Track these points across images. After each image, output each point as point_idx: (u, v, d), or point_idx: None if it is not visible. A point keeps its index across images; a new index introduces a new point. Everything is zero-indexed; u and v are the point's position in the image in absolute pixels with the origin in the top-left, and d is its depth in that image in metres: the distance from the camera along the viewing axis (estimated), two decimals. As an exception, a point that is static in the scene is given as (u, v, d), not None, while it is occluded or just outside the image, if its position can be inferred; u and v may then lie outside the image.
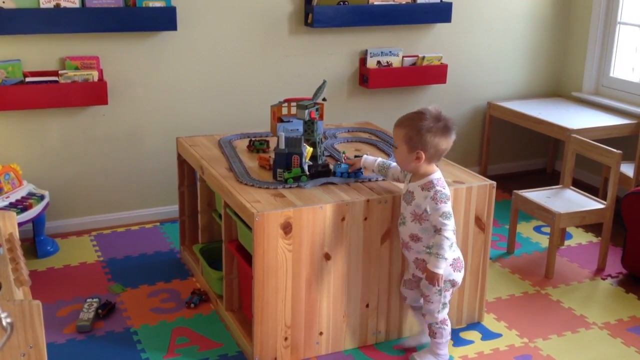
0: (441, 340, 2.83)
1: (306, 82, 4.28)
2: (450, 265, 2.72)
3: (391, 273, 2.95)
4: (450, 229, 2.62)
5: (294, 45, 4.27)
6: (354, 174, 2.97)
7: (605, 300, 3.47)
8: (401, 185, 2.86)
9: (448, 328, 2.83)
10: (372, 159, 2.95)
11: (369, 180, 2.97)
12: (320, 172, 2.95)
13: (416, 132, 2.61)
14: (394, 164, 2.86)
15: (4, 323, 1.59)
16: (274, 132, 3.42)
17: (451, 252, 2.68)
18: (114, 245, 3.90)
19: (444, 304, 2.79)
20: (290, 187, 2.88)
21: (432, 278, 2.65)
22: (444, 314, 2.80)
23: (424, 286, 2.77)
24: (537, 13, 4.93)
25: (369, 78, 4.41)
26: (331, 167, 3.00)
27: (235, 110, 4.22)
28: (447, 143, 2.65)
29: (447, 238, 2.62)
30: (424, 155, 2.62)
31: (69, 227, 4.04)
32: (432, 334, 2.84)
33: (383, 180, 2.99)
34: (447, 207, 2.62)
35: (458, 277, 2.77)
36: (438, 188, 2.63)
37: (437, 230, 2.63)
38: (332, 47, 4.37)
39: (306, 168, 2.96)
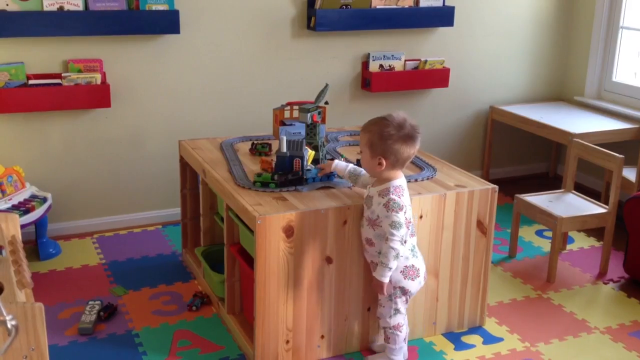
0: (394, 346, 2.81)
1: (308, 85, 4.28)
2: (401, 272, 2.70)
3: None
4: (397, 239, 2.58)
5: (297, 48, 4.28)
6: (326, 178, 2.94)
7: (607, 304, 3.47)
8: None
9: (402, 334, 2.80)
10: (343, 164, 2.90)
11: (340, 185, 2.93)
12: (291, 180, 2.91)
13: (378, 137, 2.59)
14: (365, 171, 2.82)
15: (8, 325, 1.59)
16: (276, 135, 3.42)
17: (404, 259, 2.69)
18: (116, 248, 3.91)
19: (396, 309, 2.77)
20: (291, 191, 2.88)
21: (377, 286, 2.67)
22: (396, 320, 2.78)
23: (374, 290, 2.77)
24: (539, 17, 4.93)
25: (371, 82, 4.42)
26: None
27: (237, 113, 4.23)
28: (409, 151, 2.62)
29: (392, 248, 2.59)
30: (384, 162, 2.60)
31: (72, 230, 4.04)
32: (386, 339, 2.83)
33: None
34: (398, 217, 2.58)
35: (410, 285, 2.74)
36: (392, 196, 2.59)
37: (385, 239, 2.61)
38: (334, 50, 4.38)
39: (307, 172, 2.97)
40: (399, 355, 2.84)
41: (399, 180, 2.66)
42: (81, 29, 3.68)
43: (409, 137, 2.61)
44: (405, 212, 2.62)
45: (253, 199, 2.79)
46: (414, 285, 2.76)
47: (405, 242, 2.66)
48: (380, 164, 2.61)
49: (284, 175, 2.89)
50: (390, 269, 2.63)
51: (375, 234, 2.67)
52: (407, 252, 2.70)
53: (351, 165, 2.91)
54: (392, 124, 2.60)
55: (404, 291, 2.75)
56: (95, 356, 2.94)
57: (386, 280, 2.65)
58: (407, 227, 2.66)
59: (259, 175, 2.91)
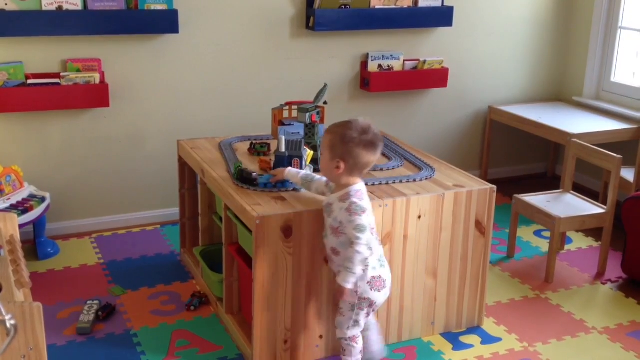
0: (350, 359, 2.72)
1: (307, 85, 4.28)
2: (368, 282, 2.61)
3: (391, 276, 2.94)
4: (362, 243, 2.52)
5: (296, 48, 4.28)
6: (280, 184, 2.88)
7: (605, 304, 3.48)
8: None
9: (358, 346, 2.71)
10: (295, 171, 2.85)
11: (294, 189, 2.88)
12: (245, 178, 2.91)
13: (339, 140, 2.55)
14: (318, 177, 2.78)
15: (7, 325, 1.59)
16: (275, 135, 3.42)
17: (371, 269, 2.60)
18: (114, 248, 3.91)
19: (356, 321, 2.67)
20: (289, 191, 2.88)
21: (339, 292, 2.59)
22: (354, 332, 2.69)
23: (341, 299, 2.67)
24: (538, 17, 4.93)
25: (370, 81, 4.42)
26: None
27: (236, 113, 4.23)
28: (369, 157, 2.57)
29: (357, 252, 2.52)
30: (343, 165, 2.54)
31: (70, 229, 4.04)
32: (342, 351, 2.73)
33: (386, 184, 3.00)
34: (362, 219, 2.52)
35: (376, 297, 2.64)
36: (354, 200, 2.54)
37: (350, 244, 2.54)
38: (333, 50, 4.38)
39: (308, 170, 2.97)
40: None
41: (359, 185, 2.61)
42: (80, 29, 3.68)
43: (371, 143, 2.56)
44: (368, 217, 2.56)
45: (252, 199, 2.79)
46: (380, 297, 2.66)
47: (371, 248, 2.58)
48: (338, 167, 2.55)
49: (238, 173, 2.91)
50: (354, 274, 2.55)
51: (340, 242, 2.59)
52: (374, 262, 2.62)
53: (303, 172, 2.85)
54: (355, 128, 2.56)
55: (370, 303, 2.65)
56: (93, 356, 2.94)
57: (349, 286, 2.56)
58: (372, 233, 2.59)
59: (239, 170, 2.92)
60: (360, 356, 2.74)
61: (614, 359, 3.02)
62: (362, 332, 2.77)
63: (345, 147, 2.54)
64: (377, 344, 2.85)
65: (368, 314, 2.71)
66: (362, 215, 2.53)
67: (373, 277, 2.63)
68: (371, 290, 2.63)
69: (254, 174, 2.93)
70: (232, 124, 4.19)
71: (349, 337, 2.70)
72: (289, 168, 2.90)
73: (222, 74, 4.15)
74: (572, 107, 4.94)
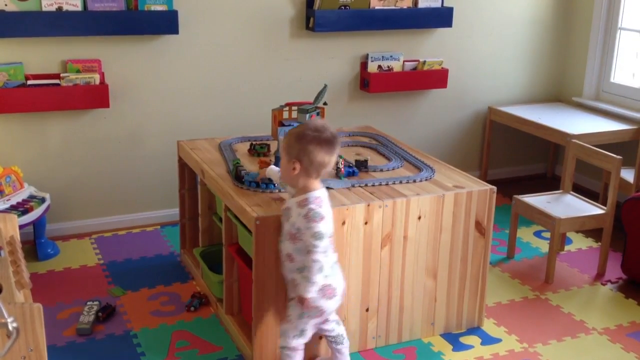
0: None
1: (307, 86, 4.28)
2: (319, 290, 2.53)
3: (391, 277, 2.95)
4: (320, 251, 2.46)
5: (295, 49, 4.28)
6: (264, 185, 2.87)
7: (605, 305, 3.48)
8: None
9: (297, 358, 2.64)
10: (276, 169, 2.82)
11: (279, 190, 2.86)
12: (237, 175, 2.94)
13: (294, 139, 2.50)
14: None
15: (10, 327, 1.59)
16: (275, 136, 3.42)
17: (322, 277, 2.52)
18: (114, 248, 3.91)
19: (302, 331, 2.60)
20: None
21: (301, 301, 2.54)
22: (297, 342, 2.62)
23: (289, 306, 2.63)
24: (538, 18, 4.94)
25: (369, 82, 4.42)
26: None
27: (236, 113, 4.23)
28: (323, 156, 2.48)
29: (314, 261, 2.46)
30: (298, 166, 2.48)
31: (70, 230, 4.04)
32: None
33: (386, 184, 3.00)
34: (320, 227, 2.45)
35: (327, 305, 2.57)
36: (312, 206, 2.47)
37: (307, 252, 2.48)
38: (333, 51, 4.38)
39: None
40: None
41: (319, 191, 2.53)
42: (80, 29, 3.68)
43: (326, 141, 2.49)
44: (327, 223, 2.49)
45: (251, 199, 2.79)
46: (331, 305, 2.59)
47: (327, 255, 2.51)
48: (294, 168, 2.49)
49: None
50: (314, 283, 2.49)
51: (296, 248, 2.53)
52: (327, 270, 2.53)
53: None
54: (310, 127, 2.51)
55: (320, 312, 2.58)
56: (93, 357, 2.93)
57: (310, 295, 2.50)
58: (329, 242, 2.52)
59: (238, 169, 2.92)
60: None
61: (614, 360, 3.03)
62: (335, 345, 2.74)
63: (300, 145, 2.48)
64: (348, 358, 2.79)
65: (316, 324, 2.63)
66: (320, 222, 2.46)
67: (324, 285, 2.54)
68: (322, 297, 2.55)
69: (243, 171, 2.94)
70: (232, 125, 4.19)
71: (291, 347, 2.62)
72: (271, 166, 2.89)
73: (222, 74, 4.15)
74: (572, 107, 4.94)
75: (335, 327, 2.73)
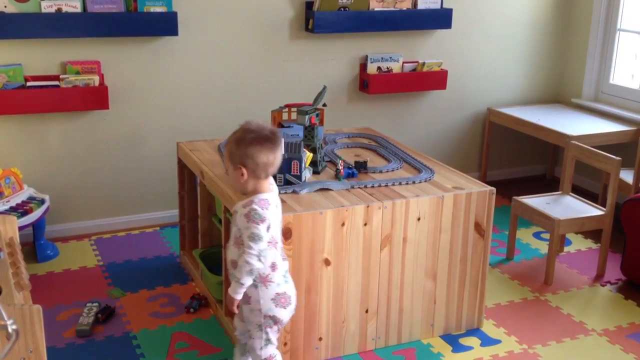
0: None
1: (306, 87, 4.29)
2: (272, 299, 2.47)
3: (391, 278, 2.95)
4: (254, 253, 2.37)
5: (295, 50, 4.28)
6: None
7: (604, 306, 3.48)
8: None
9: None
10: None
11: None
12: None
13: (234, 146, 2.43)
14: None
15: (9, 329, 1.59)
16: (274, 138, 3.42)
17: (275, 286, 2.46)
18: (114, 250, 3.90)
19: (267, 340, 2.53)
20: (289, 193, 2.89)
21: (228, 301, 2.47)
22: (268, 351, 2.55)
23: (245, 319, 2.54)
24: (537, 19, 4.94)
25: (369, 84, 4.42)
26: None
27: (235, 115, 4.22)
28: (266, 155, 2.40)
29: (247, 263, 2.37)
30: (244, 171, 2.40)
31: (69, 231, 4.04)
32: None
33: (386, 186, 3.00)
34: (258, 229, 2.36)
35: (281, 314, 2.50)
36: (254, 206, 2.38)
37: (243, 252, 2.40)
38: (332, 52, 4.38)
39: (305, 174, 2.97)
40: None
41: (267, 194, 2.44)
42: (79, 31, 3.68)
43: (265, 139, 2.41)
44: (269, 228, 2.40)
45: (251, 201, 2.79)
46: (285, 314, 2.52)
47: (269, 261, 2.43)
48: (242, 174, 2.41)
49: None
50: (242, 285, 2.40)
51: (239, 254, 2.43)
52: (278, 278, 2.48)
53: None
54: (248, 128, 2.45)
55: (275, 320, 2.51)
56: (93, 358, 2.93)
57: (238, 297, 2.43)
58: (274, 247, 2.45)
59: None
60: None
61: (614, 361, 3.03)
62: (242, 357, 2.67)
63: (241, 150, 2.41)
64: None
65: (278, 331, 2.57)
66: (259, 224, 2.37)
67: (277, 294, 2.48)
68: (276, 307, 2.48)
69: None
70: (231, 126, 4.11)
71: (265, 358, 2.56)
72: None
73: (222, 76, 4.15)
74: (571, 109, 4.94)
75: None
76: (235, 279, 2.42)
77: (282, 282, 2.50)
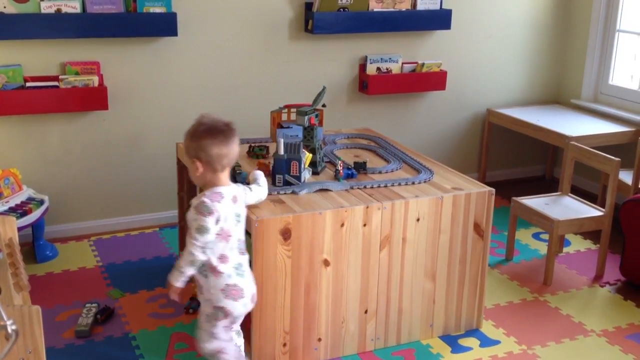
0: None
1: (306, 88, 4.29)
2: (222, 290, 2.46)
3: (390, 279, 2.95)
4: (198, 245, 2.38)
5: (294, 51, 4.28)
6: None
7: (603, 307, 3.48)
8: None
9: (229, 357, 2.55)
10: (260, 173, 2.79)
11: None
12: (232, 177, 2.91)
13: (189, 139, 2.44)
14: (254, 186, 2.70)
15: (9, 330, 1.59)
16: (273, 138, 3.43)
17: (226, 277, 2.46)
18: (113, 250, 3.90)
19: (213, 334, 2.53)
20: (288, 194, 2.89)
21: (168, 287, 2.50)
22: (213, 345, 2.53)
23: (200, 311, 2.57)
24: (536, 20, 4.94)
25: (368, 84, 4.42)
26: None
27: (235, 115, 4.16)
28: (219, 147, 2.40)
29: (189, 253, 2.39)
30: (199, 164, 2.42)
31: (69, 232, 4.04)
32: None
33: (385, 186, 3.00)
34: (205, 221, 2.37)
35: (232, 306, 2.48)
36: (204, 199, 2.39)
37: (188, 242, 2.41)
38: (332, 53, 4.39)
39: (305, 174, 2.98)
40: None
41: (223, 188, 2.45)
42: (79, 32, 3.68)
43: (218, 131, 2.41)
44: (218, 221, 2.40)
45: (250, 201, 2.79)
46: (237, 307, 2.49)
47: (207, 251, 2.42)
48: (197, 167, 2.43)
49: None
50: (182, 273, 2.43)
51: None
52: (229, 270, 2.46)
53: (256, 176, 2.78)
54: (200, 122, 2.45)
55: (226, 313, 2.49)
56: (92, 359, 2.93)
57: (177, 284, 2.46)
58: (225, 240, 2.44)
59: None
60: None
61: (613, 362, 3.03)
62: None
63: (195, 143, 2.42)
64: None
65: (230, 326, 2.56)
66: (206, 217, 2.37)
67: (227, 285, 2.47)
68: (225, 298, 2.47)
69: (238, 171, 2.96)
70: (230, 127, 4.18)
71: (210, 351, 2.54)
72: (256, 171, 2.83)
73: (221, 76, 4.15)
74: (571, 109, 4.95)
75: (234, 336, 2.63)
76: (177, 266, 2.45)
77: (234, 275, 2.48)
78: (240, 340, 2.68)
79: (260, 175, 2.78)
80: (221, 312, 2.50)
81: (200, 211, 2.38)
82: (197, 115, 2.49)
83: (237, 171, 2.99)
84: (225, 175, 2.47)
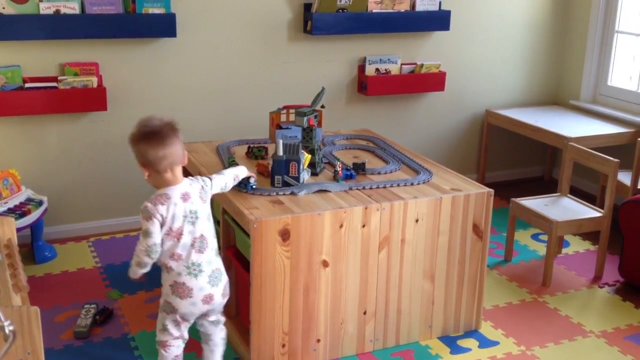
0: None
1: (305, 88, 4.29)
2: (170, 286, 2.49)
3: (389, 280, 2.95)
4: (141, 248, 2.42)
5: (293, 52, 4.28)
6: (243, 185, 2.88)
7: (602, 308, 3.48)
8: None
9: (166, 355, 2.58)
10: (243, 168, 2.84)
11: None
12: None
13: (130, 145, 2.47)
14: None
15: (6, 331, 1.59)
16: (272, 139, 3.43)
17: (175, 274, 2.46)
18: (111, 251, 3.90)
19: (164, 325, 2.55)
20: (287, 194, 2.89)
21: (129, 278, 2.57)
22: (161, 337, 2.57)
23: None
24: (535, 21, 4.95)
25: (367, 85, 4.42)
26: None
27: (234, 116, 4.23)
28: (154, 150, 2.39)
29: (136, 254, 2.45)
30: (144, 169, 2.45)
31: (67, 233, 4.04)
32: None
33: (384, 187, 3.00)
34: (146, 225, 2.41)
35: (177, 303, 2.49)
36: (146, 203, 2.43)
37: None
38: (330, 54, 4.39)
39: (304, 175, 2.98)
40: None
41: (168, 189, 2.45)
42: (78, 32, 3.68)
43: (151, 134, 2.39)
44: (165, 222, 2.42)
45: (249, 202, 2.79)
46: (182, 305, 2.49)
47: (152, 254, 2.43)
48: (144, 172, 2.46)
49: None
50: (134, 272, 2.50)
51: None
52: (180, 268, 2.47)
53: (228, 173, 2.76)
54: (136, 126, 2.45)
55: (172, 309, 2.51)
56: (90, 360, 2.94)
57: (133, 275, 2.52)
58: (177, 240, 2.44)
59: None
60: None
61: (612, 363, 3.03)
62: (203, 345, 2.70)
63: (134, 148, 2.45)
64: None
65: (177, 323, 2.55)
66: (147, 220, 2.41)
67: (176, 282, 2.48)
68: (172, 294, 2.49)
69: (233, 162, 2.98)
70: (229, 128, 4.19)
71: (158, 341, 2.59)
72: (241, 166, 2.85)
73: (220, 77, 4.15)
74: (569, 110, 4.95)
75: (209, 326, 2.66)
76: (130, 264, 2.51)
77: (184, 274, 2.47)
78: (218, 332, 2.68)
79: (228, 170, 2.76)
80: (169, 307, 2.53)
81: (143, 215, 2.43)
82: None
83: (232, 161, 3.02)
84: (173, 175, 2.45)
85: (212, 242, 2.53)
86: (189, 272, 2.48)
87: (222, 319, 2.69)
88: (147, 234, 2.42)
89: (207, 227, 2.51)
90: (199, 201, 2.51)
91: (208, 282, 2.50)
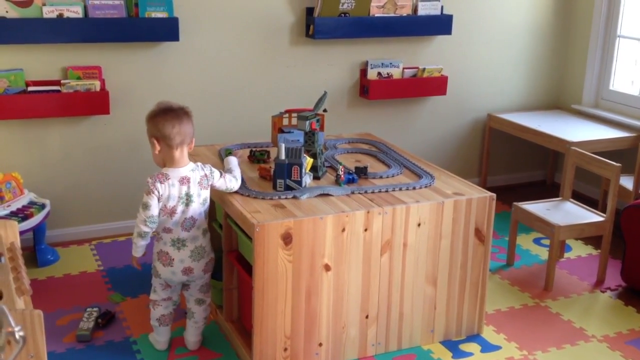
0: (151, 317, 2.98)
1: (307, 92, 4.29)
2: (157, 252, 2.86)
3: (391, 284, 2.95)
4: (140, 219, 2.75)
5: (295, 56, 4.29)
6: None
7: (604, 313, 3.48)
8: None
9: (153, 313, 2.95)
10: (234, 159, 3.08)
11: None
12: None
13: (147, 122, 2.77)
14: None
15: (17, 336, 1.59)
16: (274, 143, 3.43)
17: (162, 244, 2.82)
18: (114, 255, 3.90)
19: (153, 286, 2.93)
20: (289, 198, 2.89)
21: (132, 259, 2.92)
22: (152, 296, 2.95)
23: None
24: (537, 26, 4.95)
25: (369, 89, 4.43)
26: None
27: (236, 120, 4.24)
28: (170, 124, 2.70)
29: (136, 225, 2.77)
30: (155, 142, 2.74)
31: (70, 236, 4.04)
32: None
33: (386, 191, 3.01)
34: (146, 198, 2.74)
35: (159, 268, 2.86)
36: (149, 178, 2.74)
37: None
38: (332, 58, 4.39)
39: (306, 179, 2.98)
40: (153, 333, 3.02)
41: (172, 169, 2.76)
42: (81, 36, 3.69)
43: (169, 110, 2.73)
44: (160, 199, 2.74)
45: (251, 206, 2.80)
46: (163, 271, 2.85)
47: (149, 224, 2.75)
48: (155, 146, 2.75)
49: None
50: (135, 244, 2.83)
51: None
52: (166, 238, 2.81)
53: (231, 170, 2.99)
54: (157, 105, 2.79)
55: (156, 272, 2.88)
56: (93, 363, 2.94)
57: (136, 254, 2.87)
58: (170, 217, 2.77)
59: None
60: (156, 323, 2.97)
61: (614, 367, 3.03)
62: (187, 319, 3.01)
63: (151, 124, 2.75)
64: (189, 335, 3.03)
65: (164, 287, 2.90)
66: (147, 195, 2.73)
67: (161, 250, 2.83)
68: (157, 260, 2.86)
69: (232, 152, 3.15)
70: (231, 131, 4.19)
71: (150, 298, 2.97)
72: (230, 157, 3.10)
73: (222, 81, 4.16)
74: (571, 115, 4.95)
75: (194, 305, 2.98)
76: (133, 238, 2.84)
77: (169, 245, 2.82)
78: (202, 312, 2.99)
79: (235, 166, 3.00)
80: (154, 271, 2.89)
81: (145, 189, 2.75)
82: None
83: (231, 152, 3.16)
84: (181, 154, 2.76)
85: (201, 223, 2.84)
86: (173, 244, 2.82)
87: (207, 299, 3.01)
88: (146, 206, 2.75)
89: (199, 210, 2.82)
90: (197, 187, 2.80)
91: (189, 257, 2.83)
